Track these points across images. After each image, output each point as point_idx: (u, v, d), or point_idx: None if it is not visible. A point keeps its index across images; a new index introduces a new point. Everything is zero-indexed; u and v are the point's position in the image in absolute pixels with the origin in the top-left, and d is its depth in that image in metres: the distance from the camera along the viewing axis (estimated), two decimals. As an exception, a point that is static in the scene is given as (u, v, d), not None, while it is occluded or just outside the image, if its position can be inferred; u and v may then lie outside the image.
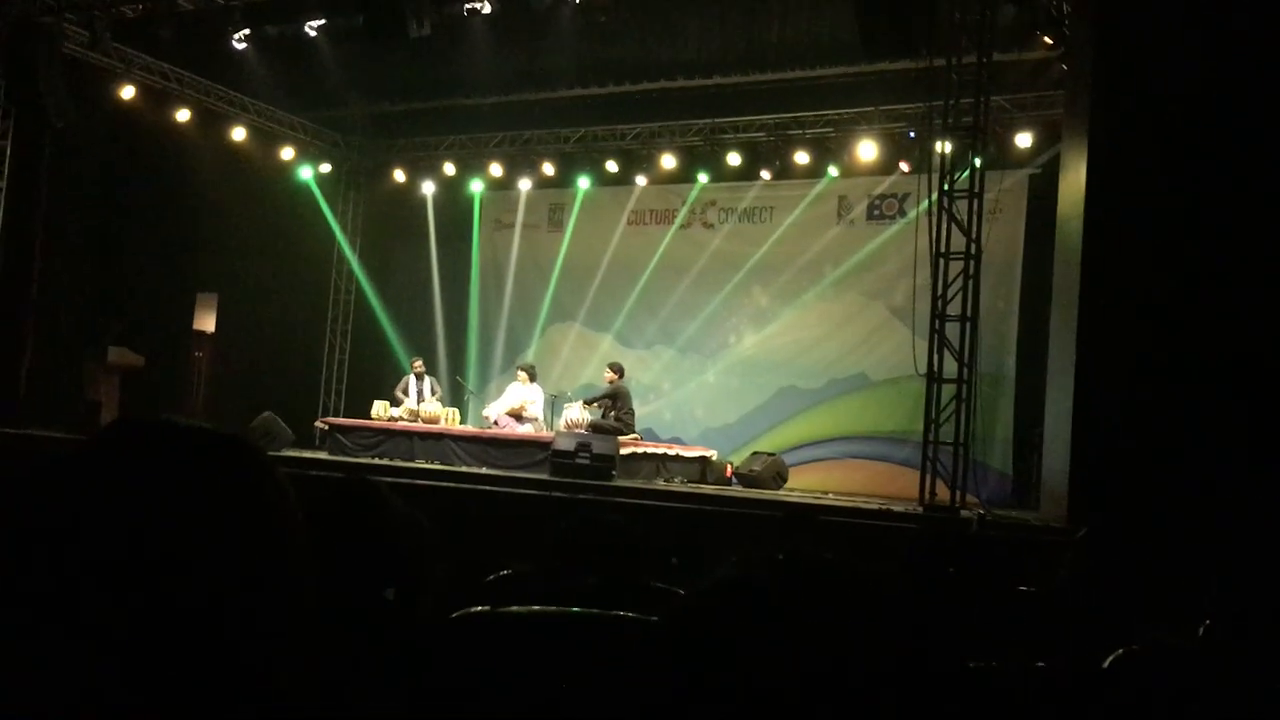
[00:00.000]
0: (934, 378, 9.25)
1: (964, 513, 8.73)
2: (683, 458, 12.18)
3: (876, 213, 13.64)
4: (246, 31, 12.17)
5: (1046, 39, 10.31)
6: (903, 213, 13.10)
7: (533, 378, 12.86)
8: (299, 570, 0.96)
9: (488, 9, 11.34)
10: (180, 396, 14.62)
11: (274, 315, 15.12)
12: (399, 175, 15.94)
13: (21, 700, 0.85)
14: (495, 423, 12.50)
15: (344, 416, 14.37)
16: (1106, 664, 2.04)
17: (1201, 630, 2.28)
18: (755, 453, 12.45)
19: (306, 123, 15.50)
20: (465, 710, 1.73)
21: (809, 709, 0.81)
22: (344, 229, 16.28)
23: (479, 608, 1.97)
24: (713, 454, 12.59)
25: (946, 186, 9.35)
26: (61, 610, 0.86)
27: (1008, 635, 2.88)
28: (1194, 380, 7.41)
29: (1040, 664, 2.23)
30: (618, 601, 2.05)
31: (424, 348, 15.01)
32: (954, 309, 9.31)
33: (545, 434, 11.83)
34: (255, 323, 15.04)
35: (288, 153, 15.27)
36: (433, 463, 11.57)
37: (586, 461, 10.46)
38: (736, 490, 11.32)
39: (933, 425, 9.18)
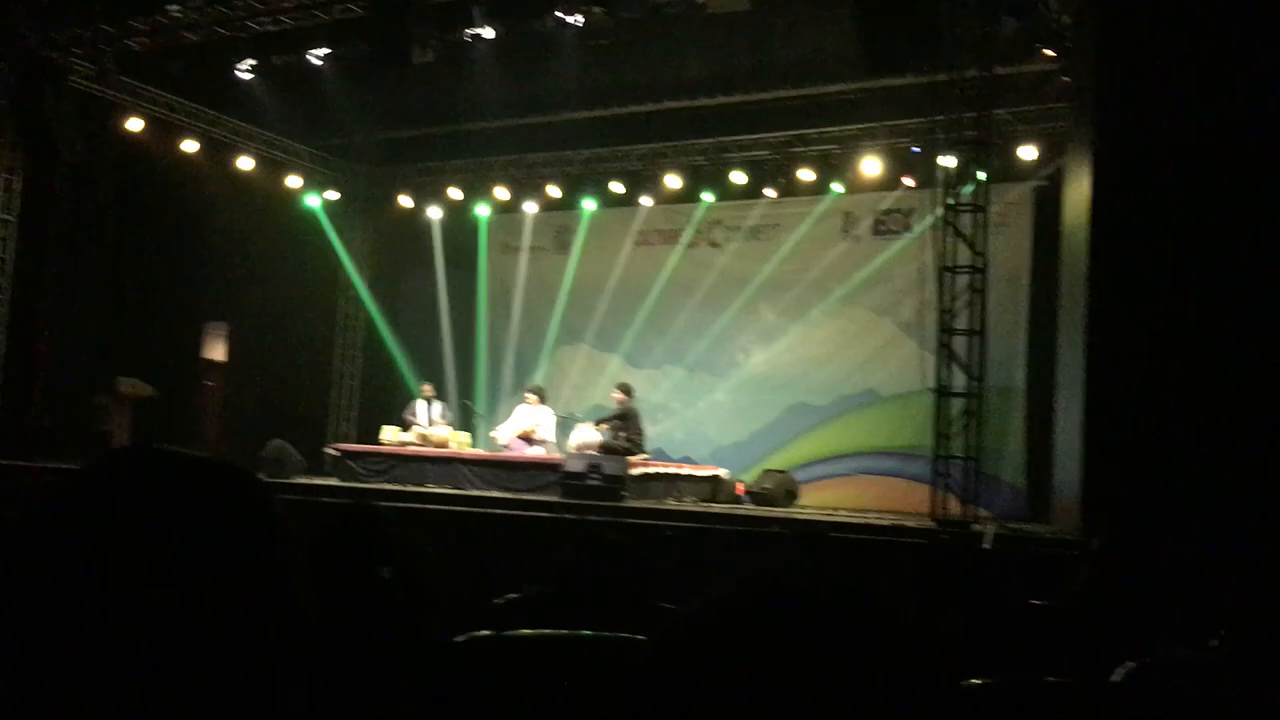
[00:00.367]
0: (943, 392, 9.23)
1: (975, 527, 8.69)
2: (694, 477, 12.16)
3: (883, 228, 13.64)
4: (252, 62, 12.25)
5: (1048, 52, 10.32)
6: (909, 228, 13.11)
7: (542, 400, 12.85)
8: (295, 595, 0.97)
9: (490, 34, 11.40)
10: (192, 426, 14.65)
11: (284, 343, 15.16)
12: (405, 201, 16.01)
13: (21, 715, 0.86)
14: (505, 446, 12.50)
15: (354, 442, 14.38)
16: (1117, 677, 2.03)
17: (1214, 642, 2.26)
18: (766, 470, 12.43)
19: (313, 151, 15.59)
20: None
21: None
22: (351, 255, 16.34)
23: (483, 631, 1.96)
24: (724, 473, 12.57)
25: (951, 201, 9.36)
26: (57, 633, 0.87)
27: (1020, 650, 2.86)
28: (1205, 389, 7.38)
29: (1052, 679, 2.21)
30: (624, 623, 2.04)
31: (433, 372, 15.03)
32: (961, 323, 9.29)
33: (555, 456, 11.82)
34: (265, 351, 15.09)
35: (294, 181, 15.35)
36: (444, 487, 11.56)
37: (597, 483, 10.45)
38: (748, 508, 11.29)
39: (943, 440, 9.15)
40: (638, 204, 14.73)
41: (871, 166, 12.94)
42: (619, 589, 2.74)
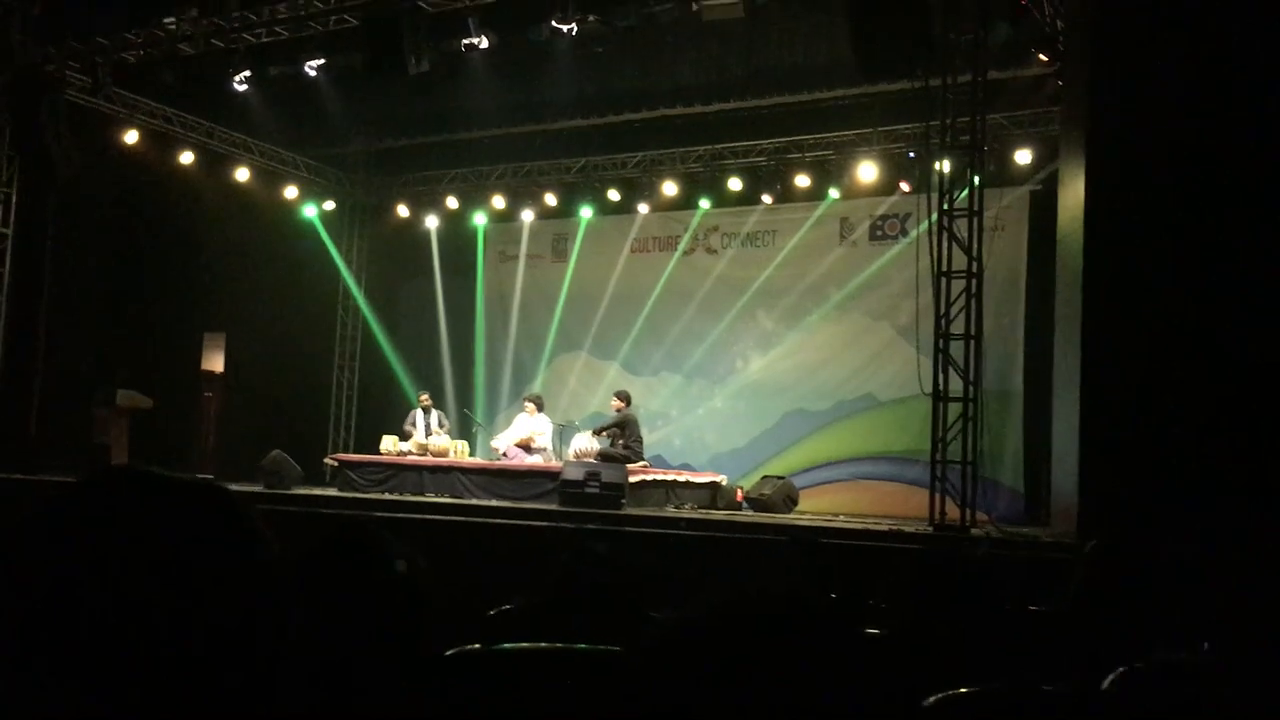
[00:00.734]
0: (939, 397, 9.23)
1: (974, 531, 8.69)
2: (692, 484, 12.15)
3: (879, 233, 13.67)
4: (247, 73, 12.26)
5: (1042, 56, 10.35)
6: (905, 232, 13.13)
7: (540, 408, 12.86)
8: (276, 601, 0.99)
9: (485, 44, 11.41)
10: (190, 437, 14.67)
11: (282, 353, 15.17)
12: (402, 210, 16.03)
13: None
14: (504, 454, 12.50)
15: (353, 452, 14.38)
16: (1107, 683, 2.03)
17: (1205, 646, 2.27)
18: (765, 476, 12.43)
19: (309, 161, 15.60)
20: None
21: None
22: (349, 265, 16.35)
23: (473, 645, 1.97)
24: (722, 479, 12.56)
25: (946, 205, 9.36)
26: (47, 644, 0.90)
27: (1016, 656, 2.86)
28: (1201, 390, 7.39)
29: (1046, 685, 2.21)
30: (617, 633, 2.04)
31: (431, 381, 15.03)
32: (958, 327, 9.30)
33: (554, 464, 11.82)
34: (263, 361, 15.09)
35: (291, 191, 15.37)
36: (442, 496, 11.56)
37: (596, 490, 10.45)
38: (746, 515, 11.29)
39: (940, 444, 9.15)
40: (635, 211, 14.75)
41: (867, 172, 12.97)
42: (613, 597, 2.74)
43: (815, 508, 12.26)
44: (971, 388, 9.08)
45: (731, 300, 14.30)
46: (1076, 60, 9.06)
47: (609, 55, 12.61)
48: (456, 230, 16.05)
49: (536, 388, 14.43)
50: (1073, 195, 8.70)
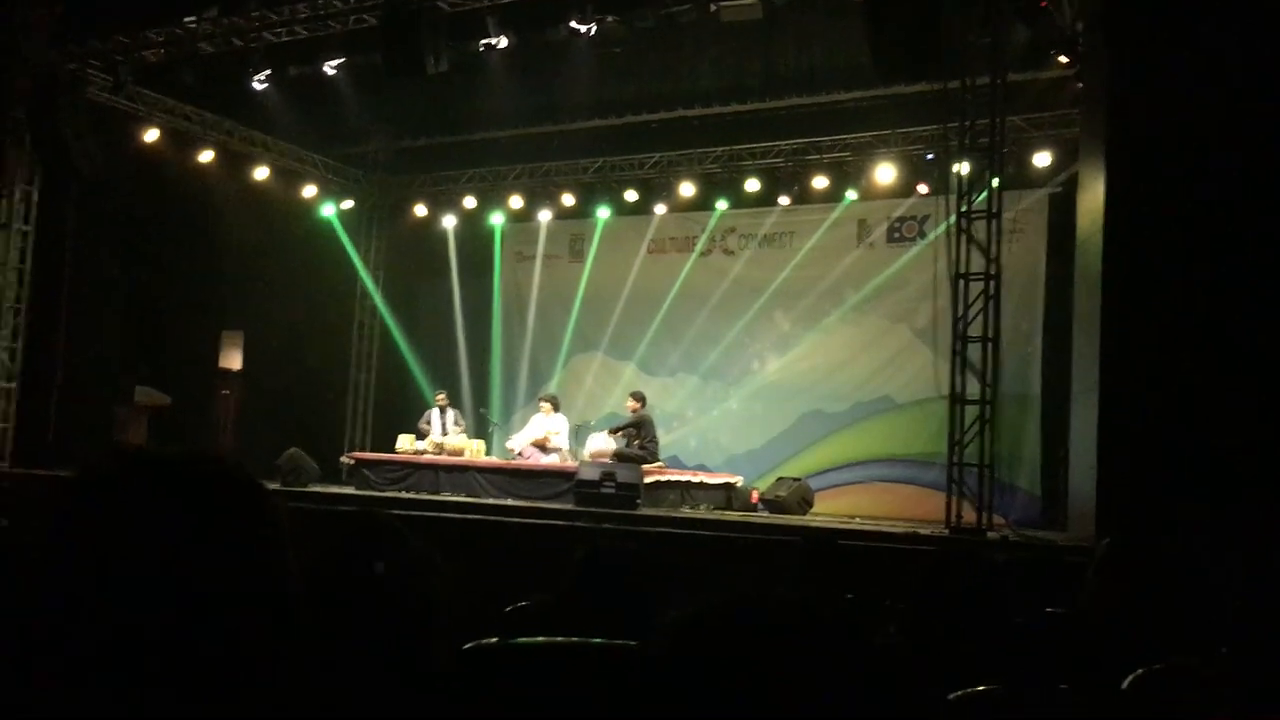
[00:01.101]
0: (957, 399, 9.21)
1: (990, 534, 8.66)
2: (708, 485, 12.14)
3: (896, 235, 13.63)
4: (267, 72, 12.32)
5: (1061, 58, 10.30)
6: (922, 234, 13.09)
7: (556, 408, 12.87)
8: (288, 585, 0.99)
9: (504, 44, 11.44)
10: (208, 435, 14.72)
11: (299, 352, 15.22)
12: (420, 210, 16.06)
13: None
14: (520, 454, 12.52)
15: (370, 450, 14.42)
16: (1125, 685, 2.02)
17: (1222, 651, 2.25)
18: (781, 478, 12.41)
19: (328, 160, 15.66)
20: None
21: None
22: (367, 264, 16.40)
23: (490, 639, 1.97)
24: (738, 480, 12.55)
25: (965, 207, 9.34)
26: (61, 627, 0.90)
27: (1029, 659, 2.85)
28: (1220, 394, 7.34)
29: (1063, 687, 2.21)
30: (630, 631, 2.05)
31: (448, 380, 15.05)
32: (975, 330, 9.27)
33: (570, 464, 11.83)
34: (281, 359, 15.15)
35: (310, 190, 15.43)
36: (458, 495, 11.58)
37: (611, 491, 10.45)
38: (761, 516, 11.28)
39: (957, 447, 9.13)
40: (652, 212, 14.75)
41: (885, 173, 12.94)
42: (628, 595, 2.75)
43: (831, 509, 12.23)
44: (989, 390, 9.06)
45: (749, 301, 14.28)
46: (1096, 62, 9.02)
47: (627, 56, 12.62)
48: (474, 230, 16.08)
49: (552, 387, 14.45)
50: (1092, 198, 8.66)
